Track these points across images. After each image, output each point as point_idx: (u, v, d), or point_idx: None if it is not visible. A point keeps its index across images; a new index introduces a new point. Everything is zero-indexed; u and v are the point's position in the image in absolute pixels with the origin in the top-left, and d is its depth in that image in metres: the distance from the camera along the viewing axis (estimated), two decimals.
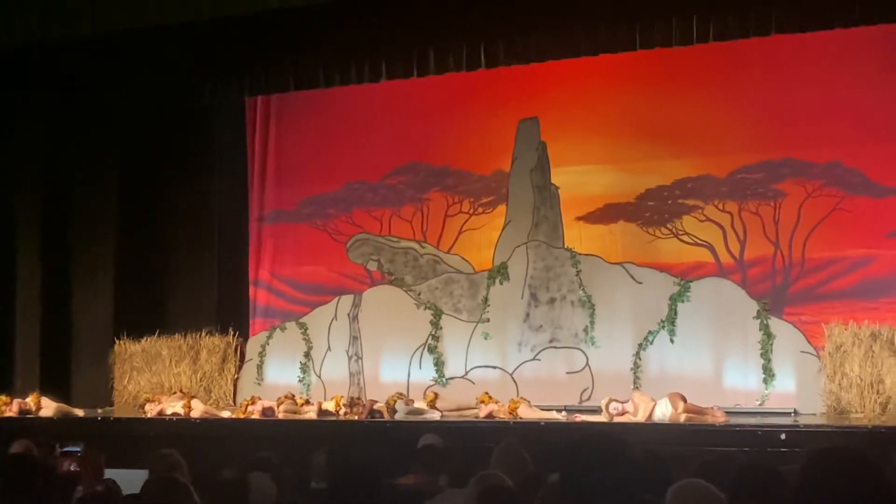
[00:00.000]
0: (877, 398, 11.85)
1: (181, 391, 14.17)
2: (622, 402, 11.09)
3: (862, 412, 11.81)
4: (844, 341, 12.17)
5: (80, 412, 13.46)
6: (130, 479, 6.58)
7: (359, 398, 13.03)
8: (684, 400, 10.89)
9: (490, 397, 12.29)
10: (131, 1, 12.91)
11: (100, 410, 14.13)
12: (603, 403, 11.19)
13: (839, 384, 12.10)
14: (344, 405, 12.67)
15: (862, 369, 11.97)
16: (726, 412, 11.21)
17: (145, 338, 15.45)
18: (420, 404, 12.46)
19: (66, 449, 9.33)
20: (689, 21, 12.37)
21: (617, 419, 10.99)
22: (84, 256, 15.77)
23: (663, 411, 10.87)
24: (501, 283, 14.38)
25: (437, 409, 12.33)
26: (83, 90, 15.22)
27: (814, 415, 12.06)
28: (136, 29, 13.09)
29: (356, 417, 12.30)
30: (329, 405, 12.82)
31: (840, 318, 12.40)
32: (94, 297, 15.68)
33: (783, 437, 9.67)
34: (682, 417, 10.73)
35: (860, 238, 12.82)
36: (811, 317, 12.82)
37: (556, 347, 13.97)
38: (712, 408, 11.12)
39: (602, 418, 11.13)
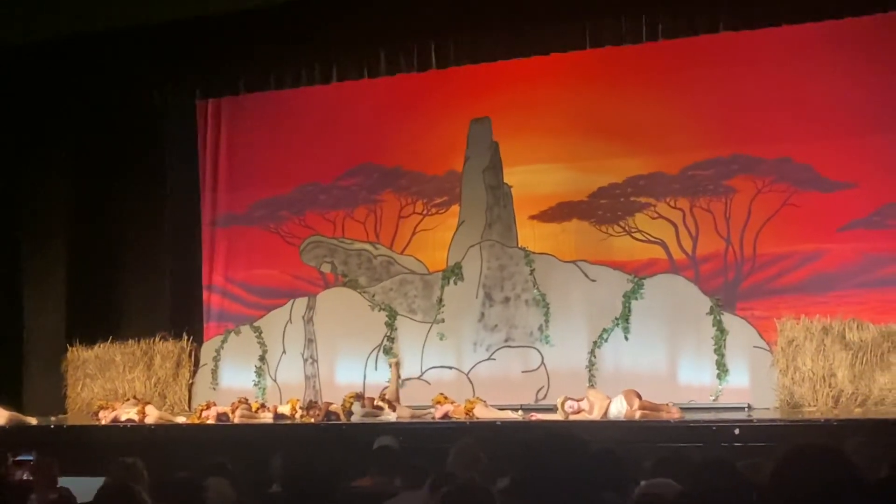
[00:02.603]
0: (829, 391, 11.95)
1: (135, 397, 14.06)
2: (577, 401, 11.12)
3: (815, 406, 11.90)
4: (796, 336, 12.26)
5: (32, 420, 13.33)
6: (85, 488, 6.54)
7: (316, 401, 13.00)
8: (639, 397, 10.94)
9: (446, 398, 12.30)
10: (80, 4, 12.83)
11: (53, 418, 14.02)
12: (558, 402, 11.22)
13: (792, 378, 12.19)
14: (301, 408, 12.65)
15: (814, 363, 12.06)
16: (681, 408, 11.28)
17: (98, 344, 15.33)
18: (379, 402, 12.46)
19: (18, 458, 9.27)
20: (639, 20, 12.45)
21: (573, 417, 11.02)
22: (35, 262, 15.63)
23: (618, 408, 10.91)
24: (456, 284, 14.38)
25: (393, 407, 12.33)
26: (32, 94, 15.09)
27: (767, 409, 12.15)
28: (85, 32, 13.02)
29: (312, 420, 12.27)
30: (284, 409, 12.78)
31: (792, 312, 12.50)
32: (45, 303, 15.53)
33: (737, 431, 9.73)
34: (638, 414, 10.77)
35: (811, 233, 12.92)
36: (763, 312, 12.91)
37: (511, 347, 13.99)
38: (667, 404, 11.18)
39: (558, 417, 11.16)
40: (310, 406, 12.62)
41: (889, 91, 12.29)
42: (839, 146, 12.79)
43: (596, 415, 10.94)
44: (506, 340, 14.04)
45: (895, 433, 9.40)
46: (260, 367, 15.13)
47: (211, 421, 12.56)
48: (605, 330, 13.50)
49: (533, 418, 11.64)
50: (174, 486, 6.16)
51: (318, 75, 14.01)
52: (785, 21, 12.12)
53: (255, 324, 15.31)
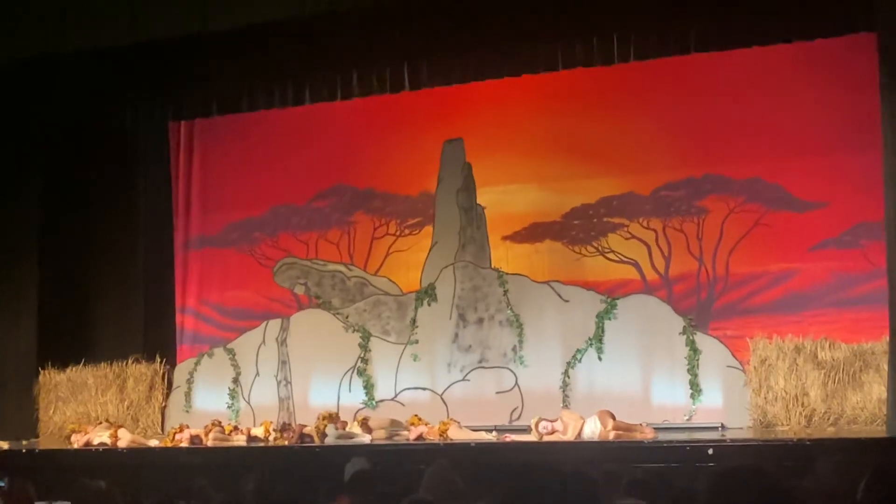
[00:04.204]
0: (802, 411, 11.98)
1: (108, 421, 14.00)
2: (551, 421, 11.12)
3: (788, 425, 11.93)
4: (769, 355, 12.30)
5: (4, 444, 13.25)
6: None
7: (289, 423, 12.96)
8: (613, 417, 10.95)
9: (420, 419, 12.29)
10: (50, 25, 12.79)
11: (25, 442, 13.92)
12: (532, 423, 11.22)
13: (765, 398, 12.22)
14: (274, 430, 12.62)
15: (787, 382, 12.10)
16: (655, 428, 11.29)
17: (70, 367, 15.25)
18: (353, 427, 12.43)
19: None
20: (610, 41, 12.49)
21: (546, 438, 11.02)
22: (5, 285, 15.50)
23: (592, 429, 10.91)
24: (429, 305, 14.38)
25: (369, 430, 12.29)
26: (2, 115, 15.01)
27: (741, 429, 12.17)
28: (55, 53, 12.98)
29: (286, 442, 12.24)
30: (258, 431, 12.75)
31: (764, 332, 12.53)
32: (16, 326, 15.41)
33: (711, 451, 9.74)
34: (611, 435, 10.77)
35: (782, 252, 12.97)
36: (736, 331, 12.95)
37: (485, 367, 13.98)
38: (640, 424, 11.19)
39: (532, 438, 11.15)
40: (283, 428, 12.60)
41: (858, 110, 12.35)
42: (810, 166, 12.86)
43: (570, 435, 10.94)
44: (480, 361, 14.03)
45: (868, 452, 9.44)
46: (233, 389, 15.08)
47: (184, 444, 12.52)
48: (578, 350, 13.52)
49: (507, 439, 11.63)
50: None
51: (290, 97, 14.00)
52: (755, 42, 12.19)
53: (229, 346, 15.26)
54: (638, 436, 10.92)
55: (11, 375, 15.39)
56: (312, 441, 12.19)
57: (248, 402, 14.97)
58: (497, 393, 13.85)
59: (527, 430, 11.47)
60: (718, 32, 12.16)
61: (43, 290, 15.42)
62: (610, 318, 13.44)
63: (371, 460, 8.81)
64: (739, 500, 4.35)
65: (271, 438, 12.54)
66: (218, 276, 15.73)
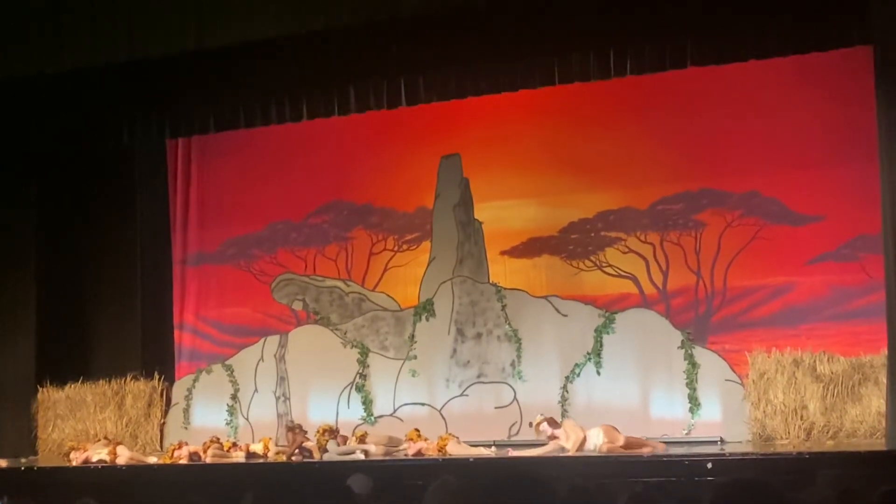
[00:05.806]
0: (801, 424, 11.98)
1: (106, 438, 13.99)
2: (554, 429, 11.13)
3: (787, 438, 11.93)
4: (767, 369, 12.30)
5: (3, 462, 13.24)
6: None
7: (299, 425, 12.88)
8: (618, 432, 10.94)
9: (419, 434, 12.27)
10: (47, 43, 12.82)
11: (23, 460, 13.92)
12: (535, 421, 11.23)
13: (764, 411, 12.21)
14: (287, 426, 12.63)
15: (785, 396, 12.10)
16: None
17: (69, 384, 15.23)
18: (352, 442, 12.42)
19: None
20: (607, 55, 12.50)
21: (547, 446, 11.00)
22: (3, 303, 15.50)
23: (595, 443, 10.90)
24: (428, 320, 14.38)
25: (368, 446, 12.28)
26: (1, 132, 15.03)
27: (740, 442, 12.16)
28: (53, 71, 13.01)
29: (284, 458, 12.23)
30: (257, 447, 12.74)
31: (763, 345, 12.53)
32: (14, 344, 15.40)
33: (710, 465, 9.73)
34: (605, 448, 10.75)
35: (780, 266, 12.98)
36: (734, 345, 12.95)
37: (483, 382, 13.98)
38: (645, 439, 11.20)
39: (532, 434, 11.13)
40: (290, 429, 12.62)
41: (855, 123, 12.36)
42: (807, 179, 12.87)
43: (570, 446, 10.91)
44: (478, 376, 14.03)
45: (867, 465, 9.44)
46: (232, 405, 15.07)
47: (183, 461, 12.51)
48: (577, 365, 13.52)
49: (509, 454, 11.62)
50: None
51: (287, 113, 13.99)
52: (752, 56, 12.19)
53: (227, 362, 15.25)
54: (647, 451, 10.91)
55: (10, 393, 15.38)
56: (312, 455, 12.19)
57: (247, 419, 14.96)
58: (496, 408, 13.84)
59: (526, 445, 11.46)
60: (715, 46, 12.17)
61: (41, 307, 15.42)
62: (608, 333, 13.45)
63: (370, 476, 8.79)
64: None
65: (271, 454, 12.53)
66: (216, 292, 15.72)
